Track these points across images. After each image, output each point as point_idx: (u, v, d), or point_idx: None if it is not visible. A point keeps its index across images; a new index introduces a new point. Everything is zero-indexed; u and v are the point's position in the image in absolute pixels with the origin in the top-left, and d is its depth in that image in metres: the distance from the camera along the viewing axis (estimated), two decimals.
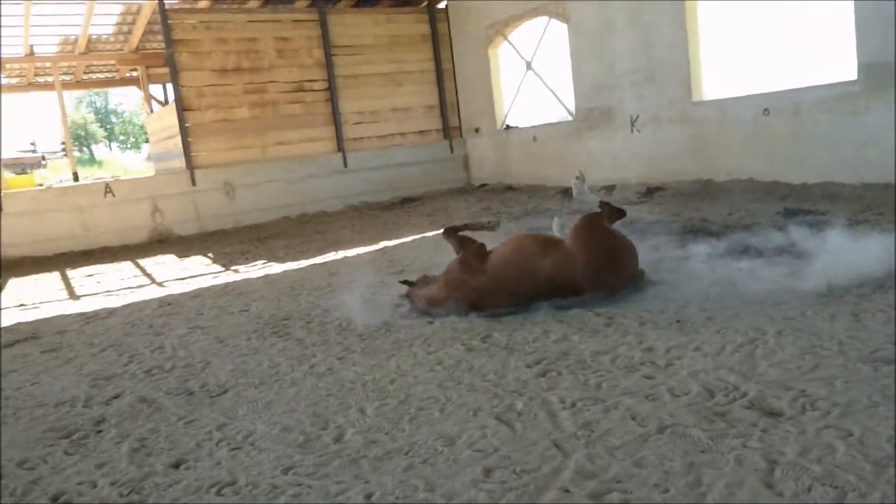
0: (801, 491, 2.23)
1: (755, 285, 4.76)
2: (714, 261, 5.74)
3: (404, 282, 5.51)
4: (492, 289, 4.93)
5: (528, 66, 12.90)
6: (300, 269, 8.10)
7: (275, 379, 4.01)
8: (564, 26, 11.64)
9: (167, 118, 14.07)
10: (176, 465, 3.00)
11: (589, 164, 11.73)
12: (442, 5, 14.60)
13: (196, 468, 2.94)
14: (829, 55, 8.42)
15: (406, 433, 3.03)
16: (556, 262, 4.83)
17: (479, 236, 5.54)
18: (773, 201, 8.27)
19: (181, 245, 11.74)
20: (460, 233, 5.55)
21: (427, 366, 3.93)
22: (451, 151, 14.88)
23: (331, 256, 8.80)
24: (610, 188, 11.03)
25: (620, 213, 5.32)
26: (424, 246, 8.76)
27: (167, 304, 6.75)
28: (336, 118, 13.55)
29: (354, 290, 6.37)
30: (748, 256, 5.71)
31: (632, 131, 10.83)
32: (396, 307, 5.46)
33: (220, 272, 8.60)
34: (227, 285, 7.47)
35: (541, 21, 12.31)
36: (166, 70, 13.27)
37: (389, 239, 9.69)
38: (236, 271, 8.54)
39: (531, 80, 12.98)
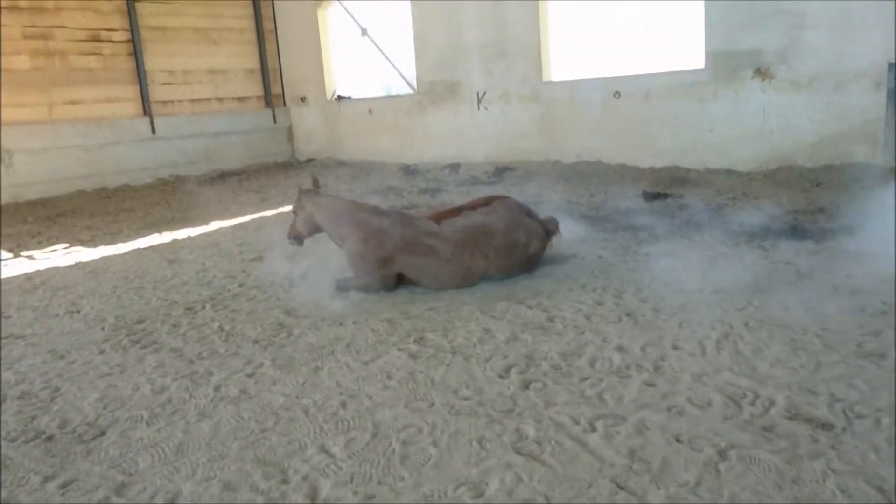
0: None
1: (673, 272, 4.63)
2: (606, 243, 5.59)
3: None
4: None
5: (364, 32, 12.10)
6: (123, 255, 6.71)
7: (171, 409, 3.02)
8: None
9: None
10: None
11: (432, 141, 11.30)
12: None
13: None
14: (679, 43, 8.73)
15: (409, 482, 2.32)
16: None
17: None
18: (627, 184, 8.43)
19: None
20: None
21: (374, 380, 3.20)
22: (274, 122, 13.60)
23: (156, 239, 7.44)
24: (454, 166, 10.70)
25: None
26: (269, 228, 7.72)
27: None
28: (141, 76, 11.67)
29: (214, 282, 5.33)
30: (642, 240, 5.63)
31: (478, 108, 10.55)
32: (278, 300, 4.60)
33: (8, 259, 6.88)
34: (29, 277, 5.93)
35: None
36: None
37: (222, 219, 8.48)
38: (32, 258, 6.89)
39: (368, 48, 12.19)
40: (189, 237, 7.50)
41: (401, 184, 10.20)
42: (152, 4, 11.74)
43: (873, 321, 3.49)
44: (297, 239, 5.20)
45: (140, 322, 4.38)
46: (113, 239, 7.58)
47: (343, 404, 2.95)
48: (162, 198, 10.60)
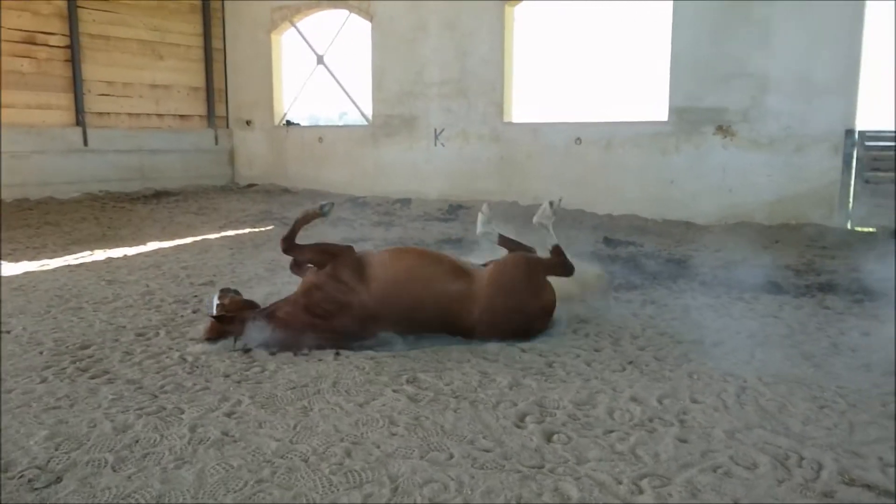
0: None
1: (664, 320, 4.50)
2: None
3: (218, 317, 3.94)
4: (375, 314, 3.92)
5: (320, 60, 11.81)
6: (52, 271, 6.08)
7: (141, 452, 2.56)
8: (368, 24, 10.83)
9: None
10: None
11: (384, 174, 11.03)
12: None
13: None
14: (643, 95, 8.86)
15: None
16: (462, 295, 3.98)
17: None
18: (586, 230, 8.38)
19: None
20: (303, 240, 4.33)
21: (375, 425, 2.84)
22: (216, 143, 13.02)
23: (88, 257, 6.81)
24: (406, 201, 10.44)
25: (565, 270, 4.24)
26: (214, 251, 7.22)
27: None
28: (77, 85, 10.93)
29: (164, 307, 4.82)
30: (619, 286, 5.49)
31: (435, 144, 10.38)
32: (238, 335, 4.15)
33: None
34: None
35: (340, 14, 11.33)
36: None
37: (161, 239, 7.89)
38: None
39: (322, 76, 11.88)
40: (126, 256, 6.90)
41: (349, 215, 9.84)
42: (97, 11, 11.09)
43: (886, 381, 3.40)
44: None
45: (85, 347, 3.85)
46: (36, 254, 6.89)
47: (348, 453, 2.57)
48: (90, 213, 9.84)
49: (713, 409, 3.05)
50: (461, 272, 4.10)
